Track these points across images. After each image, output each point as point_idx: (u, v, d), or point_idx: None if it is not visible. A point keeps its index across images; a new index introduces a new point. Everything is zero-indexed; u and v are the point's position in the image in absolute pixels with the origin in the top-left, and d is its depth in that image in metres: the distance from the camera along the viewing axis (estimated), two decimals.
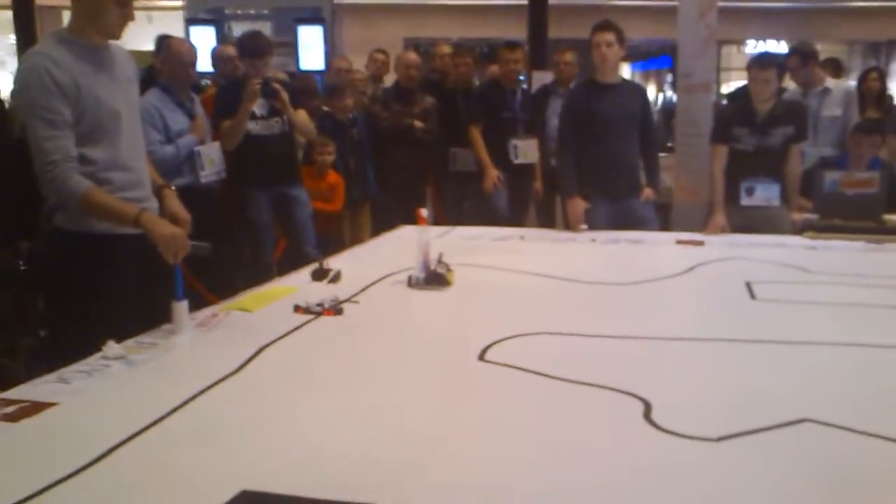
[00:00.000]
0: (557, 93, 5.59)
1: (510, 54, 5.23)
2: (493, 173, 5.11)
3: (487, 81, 5.68)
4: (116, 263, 2.55)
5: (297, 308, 2.61)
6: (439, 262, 3.00)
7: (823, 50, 11.73)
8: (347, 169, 5.46)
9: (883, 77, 6.17)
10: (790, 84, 5.48)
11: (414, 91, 5.71)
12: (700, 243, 3.89)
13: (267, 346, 2.26)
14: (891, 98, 6.46)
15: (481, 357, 2.19)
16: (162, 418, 1.74)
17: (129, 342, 2.24)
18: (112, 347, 2.15)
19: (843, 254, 3.71)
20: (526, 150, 5.21)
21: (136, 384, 1.98)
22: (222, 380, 1.99)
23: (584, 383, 1.99)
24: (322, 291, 2.82)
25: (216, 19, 10.72)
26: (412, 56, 5.82)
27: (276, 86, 4.53)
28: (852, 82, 6.04)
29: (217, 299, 2.82)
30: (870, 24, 12.65)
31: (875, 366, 2.16)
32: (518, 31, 8.23)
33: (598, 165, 4.23)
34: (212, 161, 4.43)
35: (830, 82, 5.38)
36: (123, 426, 1.67)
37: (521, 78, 6.05)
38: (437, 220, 5.24)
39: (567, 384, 1.99)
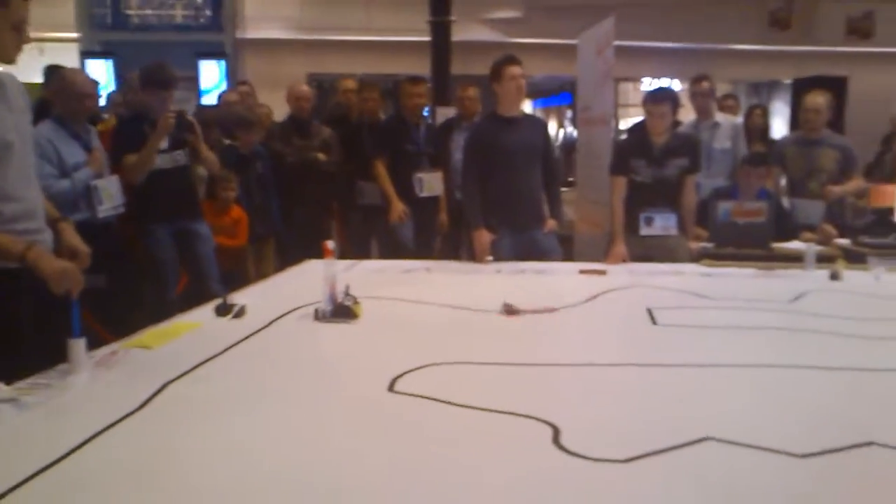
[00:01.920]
0: (461, 127, 5.67)
1: (413, 88, 5.29)
2: (398, 206, 5.13)
3: (391, 116, 5.72)
4: (8, 300, 2.43)
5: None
6: (346, 294, 2.98)
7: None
8: (251, 203, 5.39)
9: (766, 114, 6.50)
10: (685, 117, 5.73)
11: (309, 123, 5.71)
12: (602, 272, 3.98)
13: (170, 382, 2.19)
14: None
15: (391, 388, 2.17)
16: (55, 462, 1.65)
17: (21, 384, 2.13)
18: (0, 390, 2.04)
19: (737, 280, 3.86)
20: (431, 184, 5.25)
21: (27, 428, 1.88)
22: (122, 419, 1.91)
23: (492, 410, 2.00)
24: (229, 326, 2.76)
25: (112, 52, 10.49)
26: (303, 88, 5.81)
27: (191, 119, 4.45)
28: (739, 118, 6.33)
29: (115, 337, 2.72)
30: (753, 65, 13.39)
31: (770, 384, 2.25)
32: (422, 68, 8.34)
33: (502, 197, 4.30)
34: (110, 195, 4.29)
35: (719, 116, 5.64)
36: (11, 473, 1.58)
37: (426, 113, 6.11)
38: (344, 254, 5.22)
39: (476, 412, 2.00)
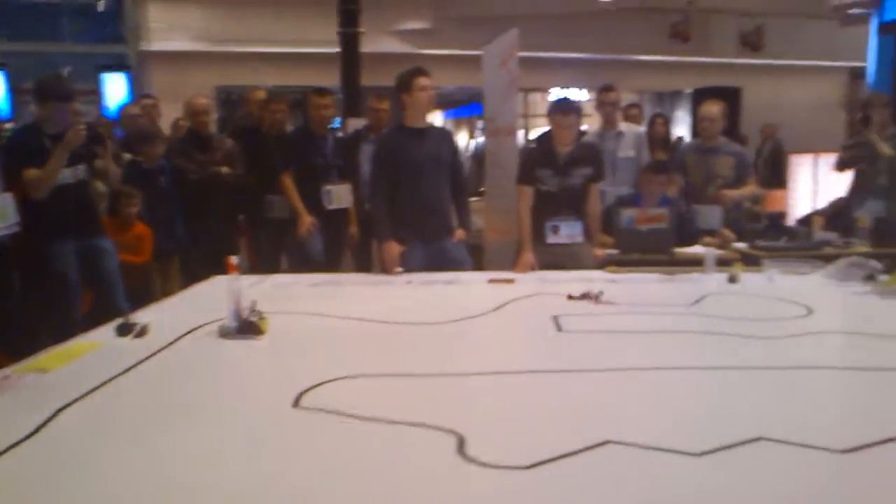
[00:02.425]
0: (368, 138, 5.67)
1: (320, 100, 5.24)
2: (307, 219, 5.07)
3: (298, 128, 5.67)
4: None
5: None
6: (252, 310, 2.93)
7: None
8: (155, 219, 5.26)
9: (667, 122, 6.71)
10: (589, 127, 5.86)
11: (210, 137, 5.62)
12: (511, 281, 4.03)
13: (65, 406, 2.11)
14: (680, 140, 7.03)
15: (295, 404, 2.15)
16: None
17: None
18: None
19: (641, 285, 3.96)
20: (340, 196, 5.22)
21: None
22: (12, 447, 1.84)
23: (398, 423, 2.00)
24: (130, 346, 2.68)
25: (6, 63, 10.12)
26: (201, 101, 5.72)
27: (101, 131, 4.31)
28: (643, 128, 6.51)
29: (14, 360, 2.61)
30: (656, 75, 13.83)
31: (668, 386, 2.31)
32: (331, 79, 8.30)
33: (410, 209, 4.31)
34: (3, 214, 4.12)
35: (623, 126, 5.79)
36: None
37: (336, 124, 6.08)
38: (253, 269, 5.14)
39: (381, 425, 1.99)
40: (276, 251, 5.58)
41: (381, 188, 4.36)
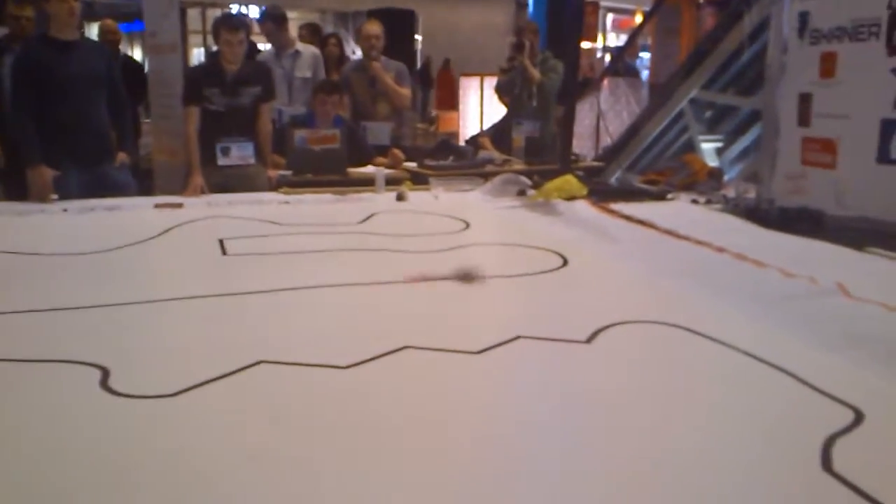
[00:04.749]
0: (12, 50, 5.04)
1: None
2: None
3: None
4: None
5: None
6: None
7: (300, 16, 12.47)
8: None
9: (341, 42, 6.73)
10: (264, 46, 5.70)
11: None
12: (179, 205, 3.86)
13: None
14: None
15: None
16: None
17: None
18: None
19: (313, 206, 3.99)
20: None
21: None
22: None
23: (38, 360, 1.86)
24: None
25: None
26: None
27: None
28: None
29: None
30: None
31: (326, 305, 2.37)
32: None
33: (62, 129, 3.91)
34: None
35: (300, 45, 5.70)
36: None
37: None
38: None
39: (21, 364, 1.84)
40: None
41: (25, 106, 3.90)
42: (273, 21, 5.56)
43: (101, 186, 4.03)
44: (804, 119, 3.37)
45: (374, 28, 5.38)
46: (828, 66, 3.26)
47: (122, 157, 4.19)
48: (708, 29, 8.07)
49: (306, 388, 1.75)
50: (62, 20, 3.90)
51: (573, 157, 5.18)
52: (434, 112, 11.55)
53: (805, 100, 3.35)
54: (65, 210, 3.76)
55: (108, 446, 1.47)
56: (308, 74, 5.62)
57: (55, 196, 3.91)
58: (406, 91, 5.45)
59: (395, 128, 5.41)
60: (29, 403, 1.65)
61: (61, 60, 3.89)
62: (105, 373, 1.77)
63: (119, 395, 1.67)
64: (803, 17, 3.34)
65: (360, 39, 5.61)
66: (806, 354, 1.94)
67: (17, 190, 4.55)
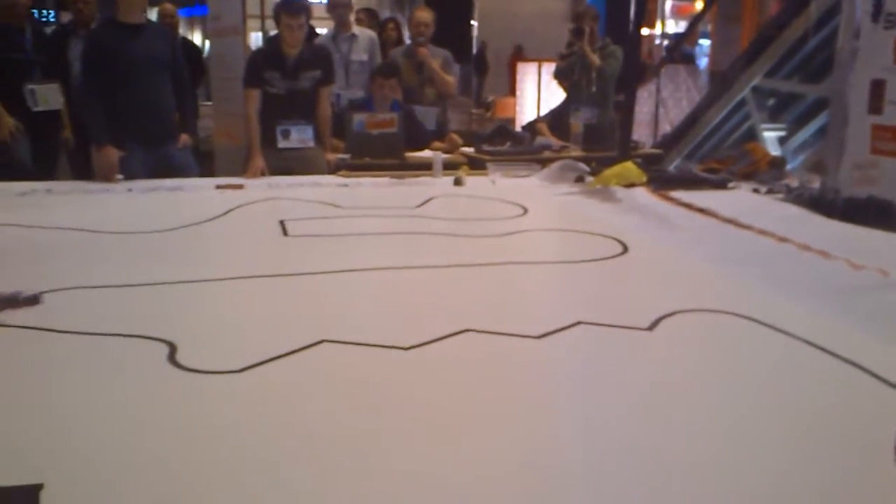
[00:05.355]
0: (77, 34, 5.15)
1: None
2: (7, 121, 4.56)
3: None
4: None
5: None
6: None
7: (356, 2, 12.51)
8: None
9: (399, 27, 6.75)
10: (322, 29, 5.74)
11: None
12: (240, 187, 3.92)
13: None
14: None
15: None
16: None
17: None
18: None
19: (372, 189, 4.02)
20: (46, 96, 4.72)
21: None
22: None
23: (108, 334, 1.91)
24: None
25: None
26: None
27: None
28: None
29: None
30: None
31: (387, 286, 2.39)
32: None
33: (128, 111, 4.00)
34: None
35: (356, 29, 5.73)
36: None
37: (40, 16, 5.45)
38: None
39: (91, 337, 1.90)
40: None
41: (93, 88, 4.00)
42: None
43: (164, 167, 4.12)
44: (876, 106, 3.26)
45: (425, 15, 5.41)
46: None
47: (184, 138, 4.26)
48: (771, 15, 7.88)
49: (368, 368, 1.76)
50: (131, 4, 3.98)
51: (632, 145, 5.11)
52: (490, 98, 11.52)
53: (878, 86, 3.24)
54: (130, 190, 3.85)
55: (176, 419, 1.50)
56: (365, 58, 5.64)
57: (120, 176, 4.00)
58: (451, 79, 5.45)
59: (440, 113, 5.42)
60: (100, 376, 1.70)
61: (129, 44, 3.97)
62: (173, 348, 1.81)
63: (187, 370, 1.71)
64: (878, 0, 3.23)
65: (411, 26, 5.62)
66: (876, 347, 1.90)
67: (85, 169, 4.68)
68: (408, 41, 7.12)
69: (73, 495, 1.23)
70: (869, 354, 1.82)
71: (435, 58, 5.35)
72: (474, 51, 13.68)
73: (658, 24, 13.46)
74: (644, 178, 3.91)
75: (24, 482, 1.25)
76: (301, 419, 1.51)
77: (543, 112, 8.52)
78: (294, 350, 1.80)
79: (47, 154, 4.88)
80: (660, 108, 8.47)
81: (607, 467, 1.36)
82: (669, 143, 7.47)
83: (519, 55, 13.34)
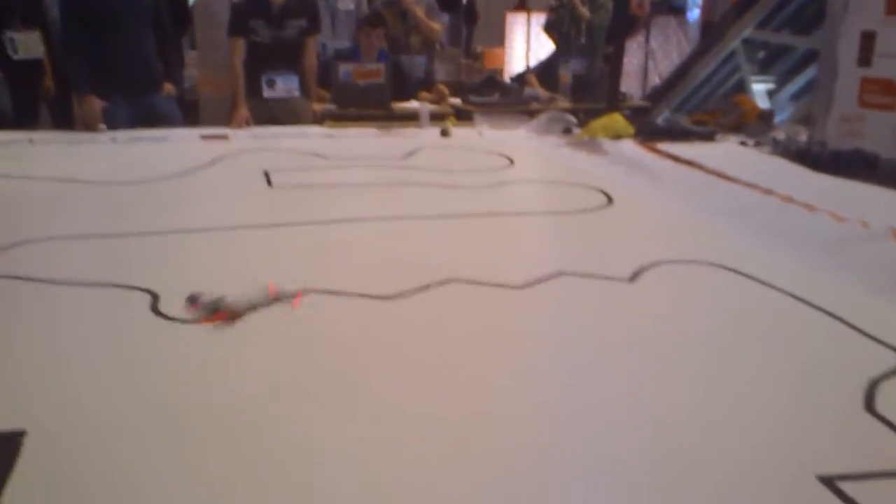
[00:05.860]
0: None
1: None
2: None
3: None
4: None
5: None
6: None
7: None
8: None
9: None
10: None
11: None
12: (225, 137, 3.88)
13: None
14: None
15: None
16: None
17: None
18: None
19: (357, 140, 3.98)
20: (27, 44, 4.64)
21: None
22: None
23: (90, 284, 1.91)
24: None
25: None
26: None
27: None
28: None
29: None
30: None
31: (378, 236, 2.38)
32: None
33: (111, 61, 3.93)
34: None
35: None
36: None
37: None
38: None
39: (74, 288, 1.90)
40: None
41: (74, 36, 3.93)
42: None
43: (148, 117, 4.07)
44: (865, 59, 3.25)
45: None
46: (894, 2, 3.13)
47: (168, 88, 4.20)
48: None
49: (351, 317, 1.77)
50: None
51: (620, 96, 5.08)
52: (479, 48, 11.37)
53: (868, 38, 3.22)
54: (113, 140, 3.81)
55: (159, 367, 1.51)
56: (351, 7, 5.55)
57: (104, 126, 3.95)
58: (437, 25, 5.37)
59: (427, 62, 5.36)
60: (83, 325, 1.71)
61: None
62: (155, 298, 1.81)
63: (168, 318, 1.71)
64: None
65: None
66: (855, 298, 1.91)
67: (65, 118, 4.63)
68: None
69: (56, 443, 1.24)
70: (849, 306, 1.84)
71: (419, 5, 5.27)
72: (464, 1, 13.46)
73: None
74: (631, 130, 3.89)
75: (6, 429, 1.25)
76: (284, 366, 1.53)
77: (533, 63, 8.44)
78: (270, 301, 1.81)
79: (28, 103, 4.81)
80: (649, 59, 8.40)
81: (588, 416, 1.37)
82: (658, 95, 7.42)
83: (523, 5, 13.01)
